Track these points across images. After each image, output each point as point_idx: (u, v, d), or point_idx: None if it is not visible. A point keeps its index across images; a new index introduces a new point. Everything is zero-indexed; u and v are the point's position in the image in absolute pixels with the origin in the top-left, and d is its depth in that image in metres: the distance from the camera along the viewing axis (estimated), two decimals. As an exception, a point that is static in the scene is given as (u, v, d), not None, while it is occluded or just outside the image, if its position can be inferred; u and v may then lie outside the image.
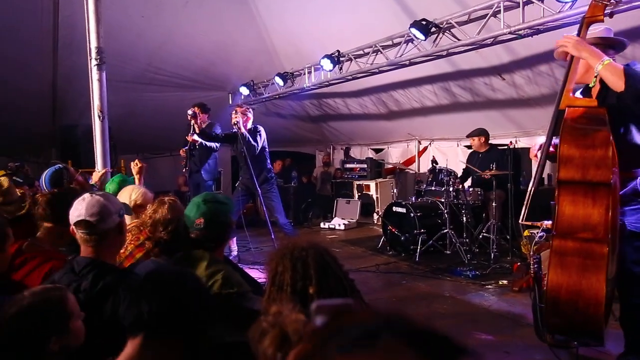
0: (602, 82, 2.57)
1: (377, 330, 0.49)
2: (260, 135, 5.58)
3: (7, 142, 7.44)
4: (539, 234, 2.77)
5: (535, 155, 2.87)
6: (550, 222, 2.67)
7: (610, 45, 2.65)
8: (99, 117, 4.10)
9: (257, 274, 4.65)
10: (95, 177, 3.92)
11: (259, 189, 5.47)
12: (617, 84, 2.36)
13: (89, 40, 4.00)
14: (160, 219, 2.19)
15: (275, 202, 5.71)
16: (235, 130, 5.41)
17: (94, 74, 4.05)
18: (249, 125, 5.64)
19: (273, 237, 5.43)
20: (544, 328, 2.71)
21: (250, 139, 5.43)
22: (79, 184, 3.25)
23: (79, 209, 1.88)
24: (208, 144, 6.33)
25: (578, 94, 2.75)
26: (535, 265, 2.74)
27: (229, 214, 2.22)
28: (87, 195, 1.93)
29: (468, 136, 6.32)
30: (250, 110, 5.78)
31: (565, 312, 2.33)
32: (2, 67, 6.20)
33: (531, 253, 2.85)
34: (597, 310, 2.27)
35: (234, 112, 5.57)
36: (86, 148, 5.20)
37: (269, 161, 5.85)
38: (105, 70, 4.10)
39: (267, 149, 5.80)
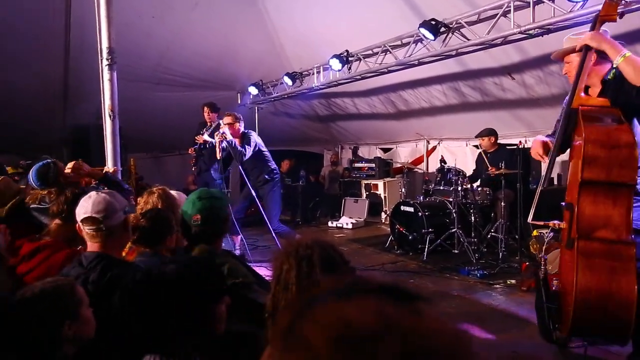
0: (603, 82, 2.57)
1: (347, 290, 0.60)
2: (250, 140, 5.60)
3: (19, 141, 7.54)
4: (548, 234, 2.76)
5: (543, 156, 2.82)
6: (557, 222, 2.66)
7: None
8: (110, 116, 4.14)
9: (264, 272, 4.68)
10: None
11: (252, 190, 5.57)
12: (638, 77, 2.31)
13: (100, 40, 4.04)
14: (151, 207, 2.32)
15: (272, 205, 5.70)
16: (224, 141, 5.47)
17: (105, 74, 4.09)
18: (242, 130, 5.68)
19: (274, 235, 5.50)
20: (553, 328, 2.70)
21: (237, 145, 5.46)
22: (65, 179, 3.16)
23: (85, 206, 1.94)
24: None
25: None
26: (544, 266, 2.74)
27: (224, 208, 2.31)
28: (93, 193, 2.01)
29: (477, 136, 6.29)
30: (239, 116, 5.76)
31: (594, 316, 2.30)
32: (13, 67, 6.29)
33: (541, 253, 2.84)
34: (628, 312, 2.25)
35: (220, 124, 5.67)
36: (97, 147, 5.26)
37: (270, 162, 5.81)
38: (116, 69, 4.14)
39: (264, 151, 5.79)
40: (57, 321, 1.42)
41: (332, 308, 0.57)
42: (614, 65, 2.45)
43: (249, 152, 5.53)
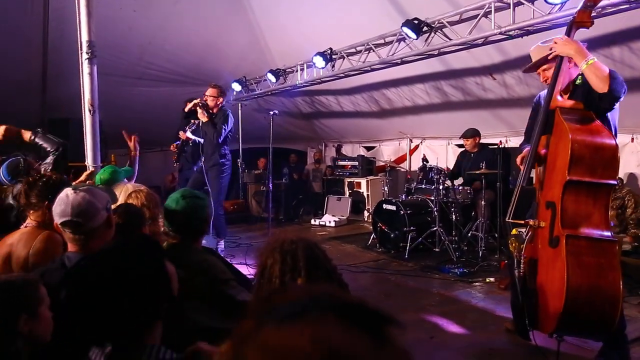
0: (573, 85, 2.71)
1: (304, 306, 0.53)
2: (228, 120, 5.75)
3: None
4: (527, 232, 2.80)
5: (521, 163, 2.92)
6: (536, 220, 2.71)
7: None
8: (90, 111, 4.08)
9: (247, 271, 4.67)
10: (82, 177, 3.90)
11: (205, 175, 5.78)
12: (600, 84, 2.43)
13: (80, 33, 3.97)
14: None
15: (215, 189, 5.82)
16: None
17: (85, 68, 4.02)
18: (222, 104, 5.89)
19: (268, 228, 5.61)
20: (529, 325, 2.74)
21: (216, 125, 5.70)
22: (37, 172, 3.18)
23: (63, 208, 1.76)
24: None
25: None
26: (523, 264, 2.77)
27: (206, 208, 2.32)
28: (70, 192, 1.80)
29: (462, 137, 6.33)
30: (223, 90, 5.95)
31: (583, 311, 2.36)
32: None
33: (521, 252, 2.87)
34: (614, 307, 2.33)
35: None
36: (77, 142, 5.17)
37: (225, 148, 5.90)
38: (96, 63, 4.08)
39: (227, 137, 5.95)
40: (14, 312, 1.40)
41: (275, 333, 0.51)
42: (580, 71, 2.58)
43: (224, 132, 5.61)
